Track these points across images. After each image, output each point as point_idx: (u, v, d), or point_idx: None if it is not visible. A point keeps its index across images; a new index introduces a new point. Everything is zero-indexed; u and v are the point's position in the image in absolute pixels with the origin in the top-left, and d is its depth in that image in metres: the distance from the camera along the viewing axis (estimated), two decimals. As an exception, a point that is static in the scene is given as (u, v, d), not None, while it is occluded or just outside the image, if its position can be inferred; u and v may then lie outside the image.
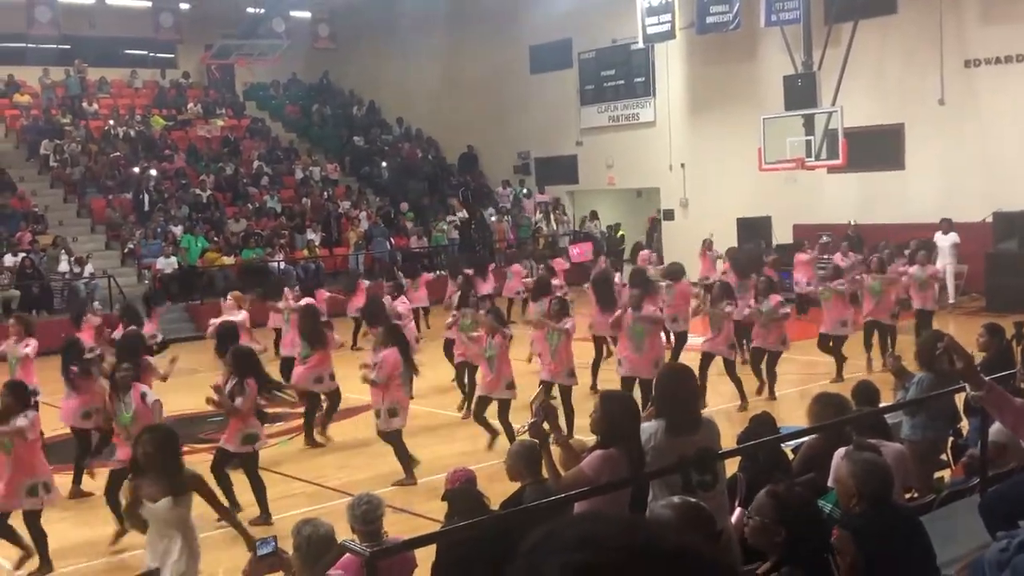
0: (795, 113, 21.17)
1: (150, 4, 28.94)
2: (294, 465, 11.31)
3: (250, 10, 29.05)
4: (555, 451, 5.93)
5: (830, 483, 5.53)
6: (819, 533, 4.46)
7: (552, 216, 29.14)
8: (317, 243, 25.86)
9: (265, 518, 9.19)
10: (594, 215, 28.86)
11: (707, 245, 20.15)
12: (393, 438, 10.37)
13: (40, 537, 8.34)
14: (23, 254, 22.01)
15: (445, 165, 32.44)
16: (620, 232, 28.18)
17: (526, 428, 6.06)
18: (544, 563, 1.40)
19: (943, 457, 8.09)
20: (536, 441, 6.18)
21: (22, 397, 8.41)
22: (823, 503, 5.38)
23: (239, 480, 9.48)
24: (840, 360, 13.96)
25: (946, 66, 21.26)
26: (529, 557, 1.42)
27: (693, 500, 4.31)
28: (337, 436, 12.40)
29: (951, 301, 19.61)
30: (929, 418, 7.59)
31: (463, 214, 28.45)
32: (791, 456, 6.69)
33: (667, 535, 1.44)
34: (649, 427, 5.48)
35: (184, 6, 29.61)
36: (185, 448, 11.16)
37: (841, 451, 5.59)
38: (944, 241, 19.66)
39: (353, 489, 9.22)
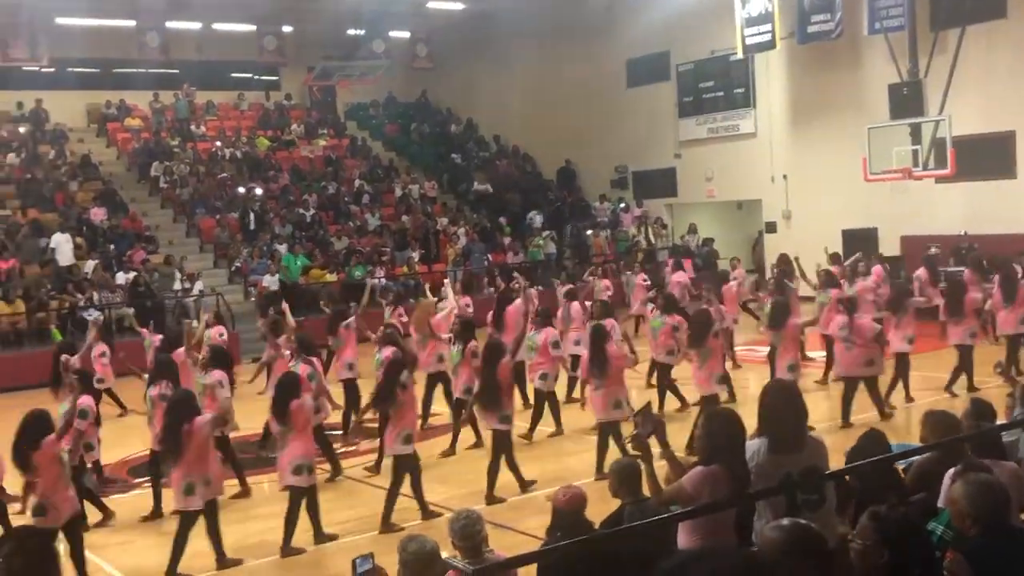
0: (901, 122, 20.71)
1: (254, 28, 29.72)
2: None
3: (351, 32, 29.63)
4: (660, 467, 5.86)
5: (941, 503, 5.35)
6: (926, 556, 4.31)
7: (650, 230, 28.97)
8: (416, 259, 26.16)
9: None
10: (692, 228, 28.60)
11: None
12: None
13: None
14: (134, 273, 22.73)
15: (542, 180, 32.52)
16: (706, 247, 27.81)
17: (629, 441, 6.00)
18: None
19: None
20: (634, 459, 6.12)
21: None
22: (934, 525, 5.21)
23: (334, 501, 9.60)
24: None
25: (1060, 70, 20.57)
26: None
27: (803, 522, 4.21)
28: (436, 451, 12.45)
29: None
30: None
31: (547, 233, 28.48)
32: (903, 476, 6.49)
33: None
34: (752, 445, 5.38)
35: (287, 29, 30.34)
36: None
37: (951, 471, 5.42)
38: None
39: (453, 504, 9.26)
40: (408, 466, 9.78)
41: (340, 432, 13.13)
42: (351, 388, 13.42)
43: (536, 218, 29.37)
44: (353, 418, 12.95)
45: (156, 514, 10.43)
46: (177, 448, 8.62)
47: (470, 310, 15.74)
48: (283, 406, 9.14)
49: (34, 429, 8.22)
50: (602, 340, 11.03)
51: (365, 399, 13.03)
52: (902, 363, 13.40)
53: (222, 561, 8.84)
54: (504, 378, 10.42)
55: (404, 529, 9.24)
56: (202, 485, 8.68)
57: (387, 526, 9.46)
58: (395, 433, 9.74)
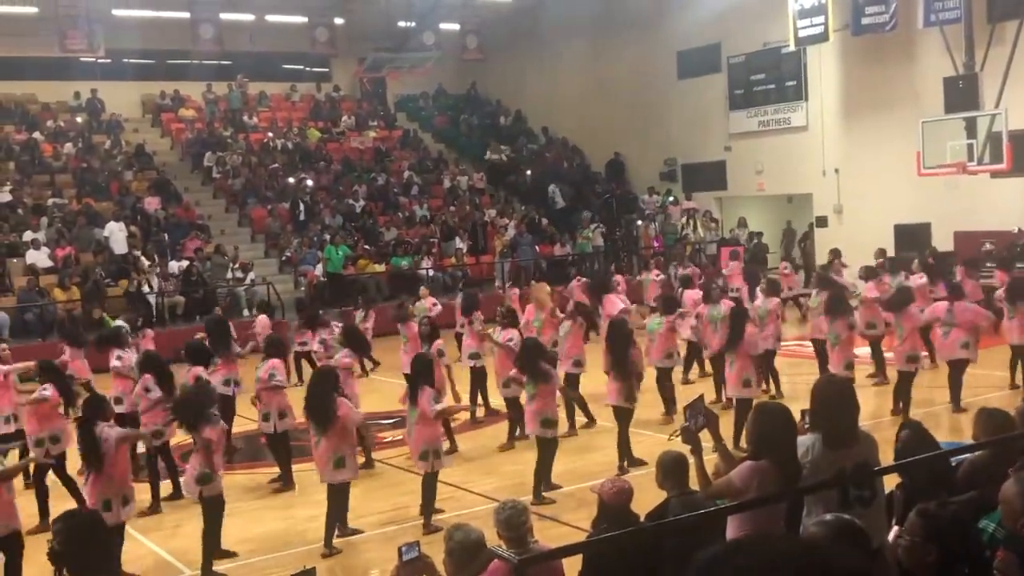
0: (956, 116, 20.39)
1: (306, 20, 29.93)
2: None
3: (401, 24, 29.72)
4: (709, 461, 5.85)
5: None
6: (975, 554, 4.27)
7: (699, 223, 28.79)
8: (464, 251, 26.24)
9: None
10: (742, 222, 28.38)
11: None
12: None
13: None
14: (187, 261, 23.03)
15: (590, 173, 32.46)
16: (754, 240, 27.50)
17: (678, 434, 6.00)
18: None
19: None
20: (681, 452, 6.11)
21: None
22: (986, 523, 5.15)
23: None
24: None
25: (1122, 63, 20.10)
26: None
27: (847, 517, 4.18)
28: (484, 442, 12.51)
29: None
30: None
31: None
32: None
33: (837, 564, 1.40)
34: (806, 440, 5.34)
35: (338, 21, 30.52)
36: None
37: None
38: None
39: (499, 495, 9.31)
40: (549, 448, 10.27)
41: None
42: (478, 374, 13.89)
43: (556, 192, 29.62)
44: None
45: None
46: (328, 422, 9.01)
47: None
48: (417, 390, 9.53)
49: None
50: (743, 321, 11.78)
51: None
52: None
53: (342, 530, 9.23)
54: (635, 358, 11.10)
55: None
56: (351, 458, 9.20)
57: (538, 498, 9.89)
58: (537, 416, 10.16)
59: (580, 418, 12.87)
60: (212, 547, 8.60)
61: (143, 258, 22.67)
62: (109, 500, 8.17)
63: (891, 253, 21.10)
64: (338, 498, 9.09)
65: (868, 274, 15.73)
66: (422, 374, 9.68)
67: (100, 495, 8.18)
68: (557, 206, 29.69)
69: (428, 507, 9.41)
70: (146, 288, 21.95)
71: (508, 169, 31.83)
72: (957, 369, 12.80)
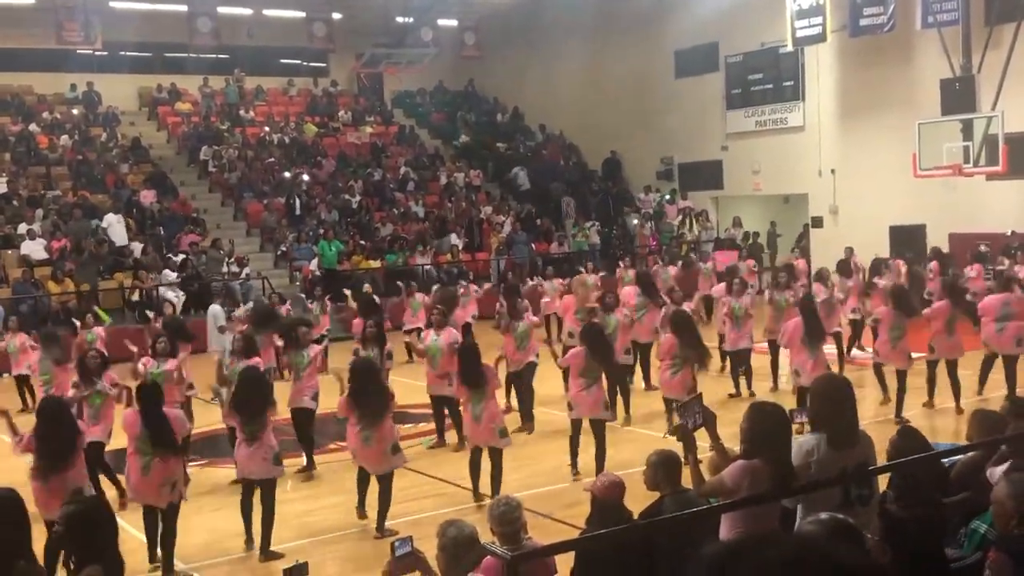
0: (953, 118, 20.43)
1: (304, 14, 29.90)
2: (433, 466, 11.46)
3: (399, 19, 29.71)
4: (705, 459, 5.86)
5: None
6: (937, 556, 4.30)
7: (695, 222, 28.81)
8: (460, 248, 26.23)
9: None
10: (737, 221, 28.39)
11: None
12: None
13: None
14: (183, 255, 23.00)
15: (587, 171, 32.47)
16: (750, 240, 27.48)
17: (672, 432, 6.01)
18: None
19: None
20: (673, 451, 6.12)
21: None
22: (978, 523, 5.17)
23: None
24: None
25: (1118, 67, 20.15)
26: None
27: (841, 516, 4.20)
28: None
29: None
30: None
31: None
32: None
33: (836, 560, 1.42)
34: (810, 441, 5.35)
35: (336, 16, 30.48)
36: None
37: (997, 470, 5.38)
38: None
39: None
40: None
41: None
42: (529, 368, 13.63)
43: (520, 174, 29.88)
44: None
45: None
46: None
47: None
48: (476, 371, 9.88)
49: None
50: (814, 312, 12.06)
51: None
52: None
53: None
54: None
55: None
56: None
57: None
58: (598, 398, 10.60)
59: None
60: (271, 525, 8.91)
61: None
62: (175, 481, 8.43)
63: (885, 254, 21.21)
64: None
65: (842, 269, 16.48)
66: (474, 359, 10.02)
67: (168, 477, 8.34)
68: (521, 188, 29.92)
69: (496, 481, 9.84)
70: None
71: (505, 167, 31.77)
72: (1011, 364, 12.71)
